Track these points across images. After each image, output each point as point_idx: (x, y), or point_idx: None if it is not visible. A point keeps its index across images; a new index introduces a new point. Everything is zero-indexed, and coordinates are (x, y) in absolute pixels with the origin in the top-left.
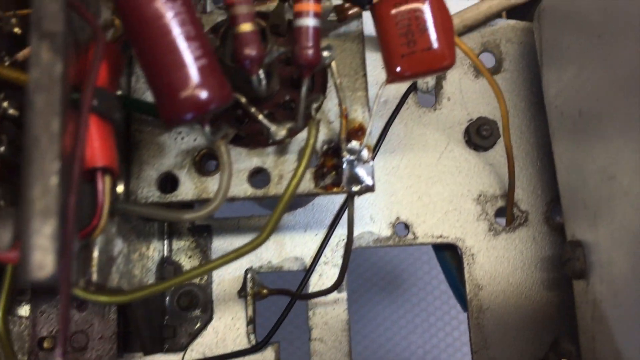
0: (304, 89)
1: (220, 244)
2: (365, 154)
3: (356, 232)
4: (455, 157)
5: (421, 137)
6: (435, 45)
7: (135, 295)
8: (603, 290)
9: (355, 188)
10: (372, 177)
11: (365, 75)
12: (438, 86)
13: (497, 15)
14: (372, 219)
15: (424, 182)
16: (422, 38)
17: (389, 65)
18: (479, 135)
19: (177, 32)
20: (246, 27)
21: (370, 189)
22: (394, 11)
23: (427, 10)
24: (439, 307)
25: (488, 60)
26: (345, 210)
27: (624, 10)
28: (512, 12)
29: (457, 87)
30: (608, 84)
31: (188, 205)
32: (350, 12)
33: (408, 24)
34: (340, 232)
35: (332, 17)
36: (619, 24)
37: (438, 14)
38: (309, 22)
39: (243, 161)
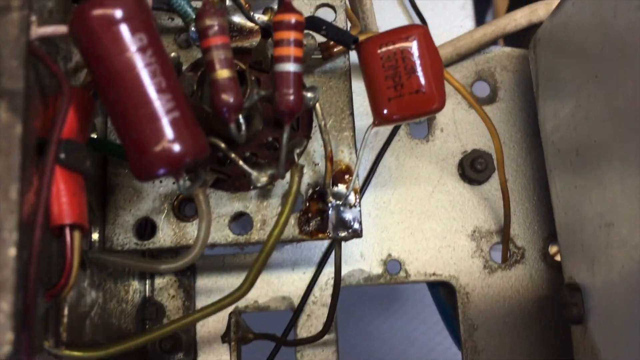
0: (284, 137)
1: (205, 283)
2: (352, 198)
3: (346, 269)
4: (449, 191)
5: (413, 170)
6: (424, 88)
7: (111, 350)
8: (602, 338)
9: (341, 234)
10: (360, 223)
11: (352, 114)
12: (431, 117)
13: (491, 43)
14: (363, 256)
15: (416, 217)
16: (410, 81)
17: (375, 108)
18: (473, 169)
19: (148, 84)
20: (223, 73)
21: (357, 235)
22: (380, 52)
23: (414, 51)
24: (438, 321)
25: (483, 89)
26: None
27: (623, 43)
28: (507, 39)
29: (450, 118)
30: (606, 124)
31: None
32: (336, 49)
33: (395, 66)
34: (329, 269)
35: (317, 54)
36: (617, 60)
37: (426, 54)
38: (290, 67)
39: (224, 205)
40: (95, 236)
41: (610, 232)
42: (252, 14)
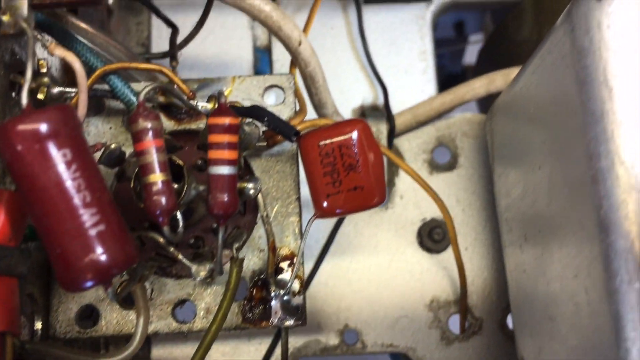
0: (220, 238)
1: (160, 354)
2: (296, 286)
3: (302, 340)
4: (408, 260)
5: (372, 239)
6: (362, 184)
7: None
8: None
9: (285, 323)
10: (303, 311)
11: (298, 198)
12: (390, 183)
13: (450, 111)
14: (319, 326)
15: (374, 286)
16: (348, 178)
17: (315, 203)
18: (431, 239)
19: (72, 200)
20: (156, 177)
21: (300, 324)
22: (319, 147)
23: (353, 147)
24: None
25: (443, 154)
26: None
27: (575, 120)
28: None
29: (409, 185)
30: (551, 217)
31: None
32: (279, 137)
33: (333, 163)
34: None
35: (262, 141)
36: (569, 142)
37: (365, 149)
38: (223, 170)
39: (168, 292)
40: (38, 325)
41: (553, 327)
42: (195, 102)
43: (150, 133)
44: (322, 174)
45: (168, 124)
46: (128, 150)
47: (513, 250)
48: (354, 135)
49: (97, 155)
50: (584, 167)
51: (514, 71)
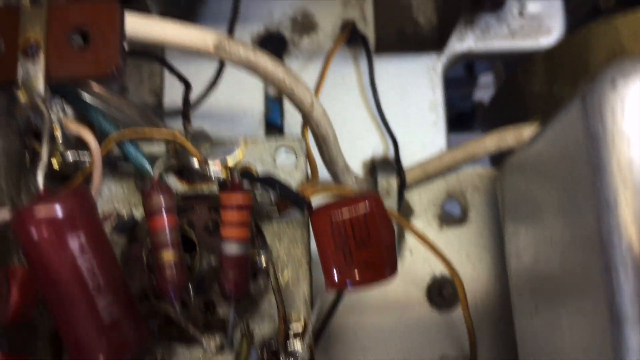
0: (231, 315)
1: None
2: (306, 356)
3: None
4: (417, 316)
5: (380, 294)
6: (374, 259)
7: None
8: None
9: None
10: None
11: (309, 264)
12: (400, 238)
13: (460, 166)
14: None
15: (382, 343)
16: (359, 253)
17: (327, 276)
18: (440, 296)
19: (86, 285)
20: (168, 256)
21: None
22: (331, 221)
23: (364, 222)
24: None
25: (454, 208)
26: None
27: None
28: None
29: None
30: (561, 286)
31: None
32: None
33: (345, 237)
34: None
35: (274, 208)
36: (582, 211)
37: (377, 223)
38: (235, 249)
39: (178, 358)
40: None
41: None
42: (207, 168)
43: (164, 210)
44: (333, 249)
45: (180, 187)
46: (140, 210)
47: (523, 316)
48: (366, 211)
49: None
50: (598, 254)
51: (525, 129)
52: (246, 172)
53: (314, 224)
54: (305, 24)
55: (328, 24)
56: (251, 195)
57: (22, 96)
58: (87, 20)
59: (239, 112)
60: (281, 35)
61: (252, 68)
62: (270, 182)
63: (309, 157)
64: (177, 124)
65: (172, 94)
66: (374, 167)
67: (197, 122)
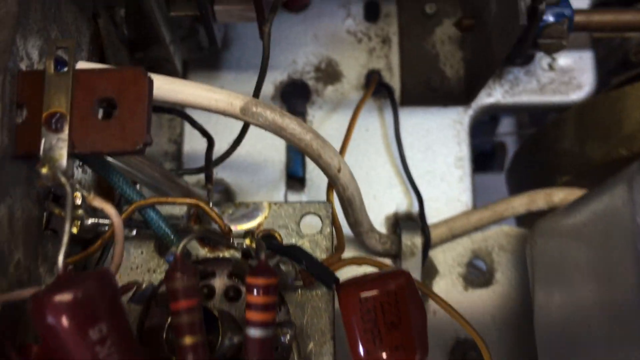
0: None
1: None
2: None
3: None
4: None
5: None
6: (404, 343)
7: None
8: None
9: None
10: None
11: (333, 337)
12: (424, 297)
13: (487, 226)
14: None
15: None
16: (389, 336)
17: (353, 356)
18: None
19: None
20: (189, 340)
21: None
22: (360, 301)
23: (395, 303)
24: None
25: (479, 269)
26: None
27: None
28: None
29: (444, 297)
30: (591, 354)
31: None
32: None
33: (374, 319)
34: None
35: (299, 280)
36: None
37: (408, 304)
38: (260, 333)
39: None
40: None
41: None
42: (231, 240)
43: (187, 293)
44: (362, 330)
45: (201, 251)
46: (159, 277)
47: None
48: (398, 291)
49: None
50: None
51: (556, 192)
52: (271, 244)
53: (342, 302)
54: (329, 73)
55: (353, 73)
56: (278, 278)
57: (43, 170)
58: (113, 89)
59: (259, 162)
60: (305, 84)
61: (279, 132)
62: (296, 254)
63: (334, 222)
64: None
65: (193, 142)
66: (397, 223)
67: (217, 172)
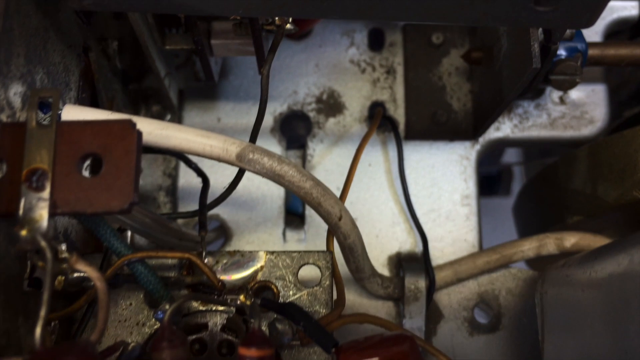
0: None
1: None
2: None
3: None
4: None
5: None
6: None
7: None
8: None
9: None
10: None
11: None
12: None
13: (494, 270)
14: None
15: None
16: None
17: None
18: None
19: None
20: None
21: None
22: None
23: None
24: None
25: (485, 313)
26: None
27: None
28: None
29: (449, 342)
30: None
31: None
32: None
33: None
34: None
35: (295, 339)
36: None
37: None
38: None
39: None
40: None
41: None
42: (223, 297)
43: None
44: None
45: (194, 304)
46: (149, 331)
47: None
48: (401, 358)
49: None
50: None
51: (568, 237)
52: (267, 301)
53: None
54: (331, 105)
55: (356, 105)
56: (273, 350)
57: (22, 232)
58: (99, 144)
59: (257, 197)
60: (306, 115)
61: (277, 180)
62: (293, 314)
63: (335, 274)
64: (194, 203)
65: (188, 175)
66: (400, 263)
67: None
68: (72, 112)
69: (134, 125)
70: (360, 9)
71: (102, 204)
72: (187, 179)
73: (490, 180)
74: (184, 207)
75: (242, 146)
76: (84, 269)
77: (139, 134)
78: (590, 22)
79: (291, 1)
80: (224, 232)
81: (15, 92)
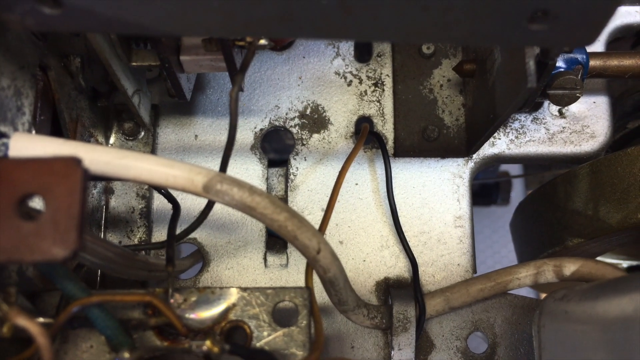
0: None
1: None
2: None
3: None
4: None
5: None
6: None
7: None
8: None
9: None
10: None
11: None
12: None
13: (489, 298)
14: None
15: None
16: None
17: None
18: None
19: None
20: None
21: None
22: None
23: None
24: None
25: (479, 343)
26: None
27: None
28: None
29: None
30: None
31: None
32: None
33: None
34: None
35: None
36: None
37: None
38: None
39: None
40: None
41: None
42: (189, 339)
43: None
44: None
45: (158, 344)
46: None
47: None
48: None
49: None
50: None
51: (567, 264)
52: (236, 346)
53: None
54: (315, 120)
55: (341, 120)
56: None
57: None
58: (40, 184)
59: (237, 219)
60: (288, 131)
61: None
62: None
63: (314, 312)
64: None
65: (163, 198)
66: (388, 291)
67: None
68: (20, 142)
69: (78, 162)
70: (334, 29)
71: (42, 252)
72: (162, 200)
73: (488, 189)
74: (159, 231)
75: (210, 176)
76: (25, 324)
77: (85, 172)
78: (591, 39)
79: (256, 22)
80: (202, 256)
81: None
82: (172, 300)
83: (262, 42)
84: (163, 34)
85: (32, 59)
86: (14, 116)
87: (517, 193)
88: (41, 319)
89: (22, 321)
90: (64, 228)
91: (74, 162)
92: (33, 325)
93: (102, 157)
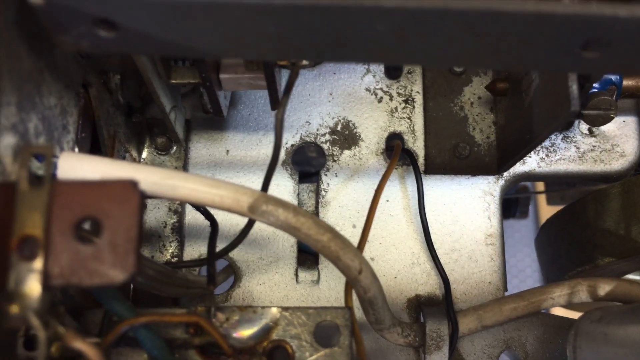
0: None
1: None
2: None
3: None
4: None
5: None
6: None
7: None
8: None
9: None
10: None
11: None
12: None
13: (522, 317)
14: None
15: None
16: None
17: None
18: None
19: None
20: None
21: None
22: None
23: None
24: None
25: None
26: None
27: None
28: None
29: None
30: None
31: None
32: None
33: None
34: None
35: None
36: None
37: None
38: None
39: None
40: None
41: None
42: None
43: None
44: None
45: None
46: None
47: None
48: None
49: None
50: None
51: (602, 284)
52: None
53: None
54: (346, 136)
55: (372, 136)
56: None
57: (12, 309)
58: (98, 207)
59: (268, 235)
60: (319, 147)
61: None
62: None
63: (355, 333)
64: (202, 242)
65: (195, 213)
66: (420, 309)
67: (222, 241)
68: (69, 161)
69: (135, 185)
70: (386, 54)
71: (100, 275)
72: (195, 215)
73: (507, 202)
74: (191, 247)
75: (255, 196)
76: (80, 347)
77: (142, 195)
78: None
79: (309, 47)
80: (233, 272)
81: (6, 144)
82: (214, 320)
83: (305, 62)
84: (215, 58)
85: (76, 77)
86: (60, 135)
87: (532, 206)
88: (93, 340)
89: (79, 344)
90: (122, 251)
91: (131, 186)
92: (90, 349)
93: (150, 177)
